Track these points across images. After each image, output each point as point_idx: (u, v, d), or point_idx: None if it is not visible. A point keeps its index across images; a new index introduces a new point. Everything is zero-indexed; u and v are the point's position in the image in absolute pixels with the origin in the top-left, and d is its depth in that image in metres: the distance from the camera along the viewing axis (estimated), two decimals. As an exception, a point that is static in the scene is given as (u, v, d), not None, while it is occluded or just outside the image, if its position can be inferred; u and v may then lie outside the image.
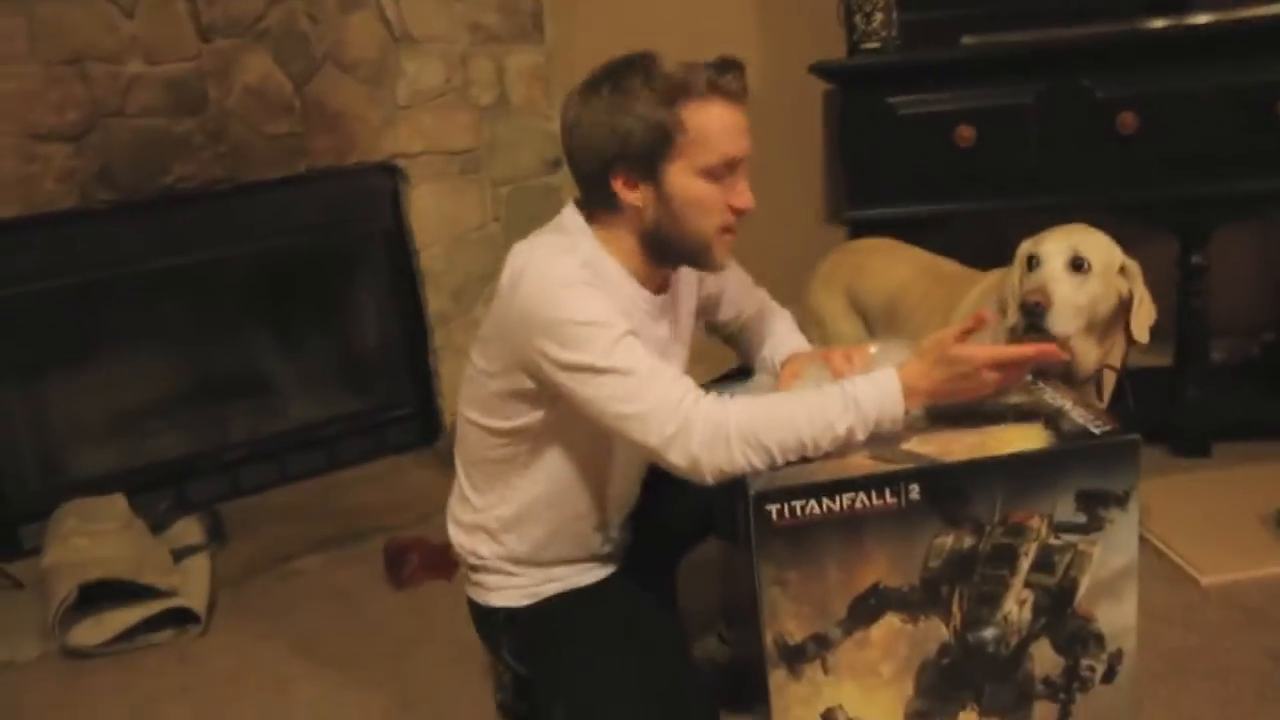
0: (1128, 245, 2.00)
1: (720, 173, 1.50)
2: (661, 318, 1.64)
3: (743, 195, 1.53)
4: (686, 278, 1.73)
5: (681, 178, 1.50)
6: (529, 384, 1.53)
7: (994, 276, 2.11)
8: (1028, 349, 1.47)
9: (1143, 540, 2.22)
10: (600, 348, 1.43)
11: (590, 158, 1.52)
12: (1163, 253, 2.59)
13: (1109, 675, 1.45)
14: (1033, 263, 1.91)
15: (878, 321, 2.32)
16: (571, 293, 1.46)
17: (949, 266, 2.30)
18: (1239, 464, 2.55)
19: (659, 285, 1.62)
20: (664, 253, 1.56)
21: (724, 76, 1.48)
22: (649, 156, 1.49)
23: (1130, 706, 1.47)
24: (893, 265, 2.37)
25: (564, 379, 1.46)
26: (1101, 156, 2.52)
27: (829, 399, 1.40)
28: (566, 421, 1.56)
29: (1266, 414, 2.67)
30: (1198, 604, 2.04)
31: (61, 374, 2.88)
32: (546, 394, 1.53)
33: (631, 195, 1.52)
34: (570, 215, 1.60)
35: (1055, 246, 1.90)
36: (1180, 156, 2.48)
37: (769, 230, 3.16)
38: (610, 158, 1.50)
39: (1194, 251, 2.57)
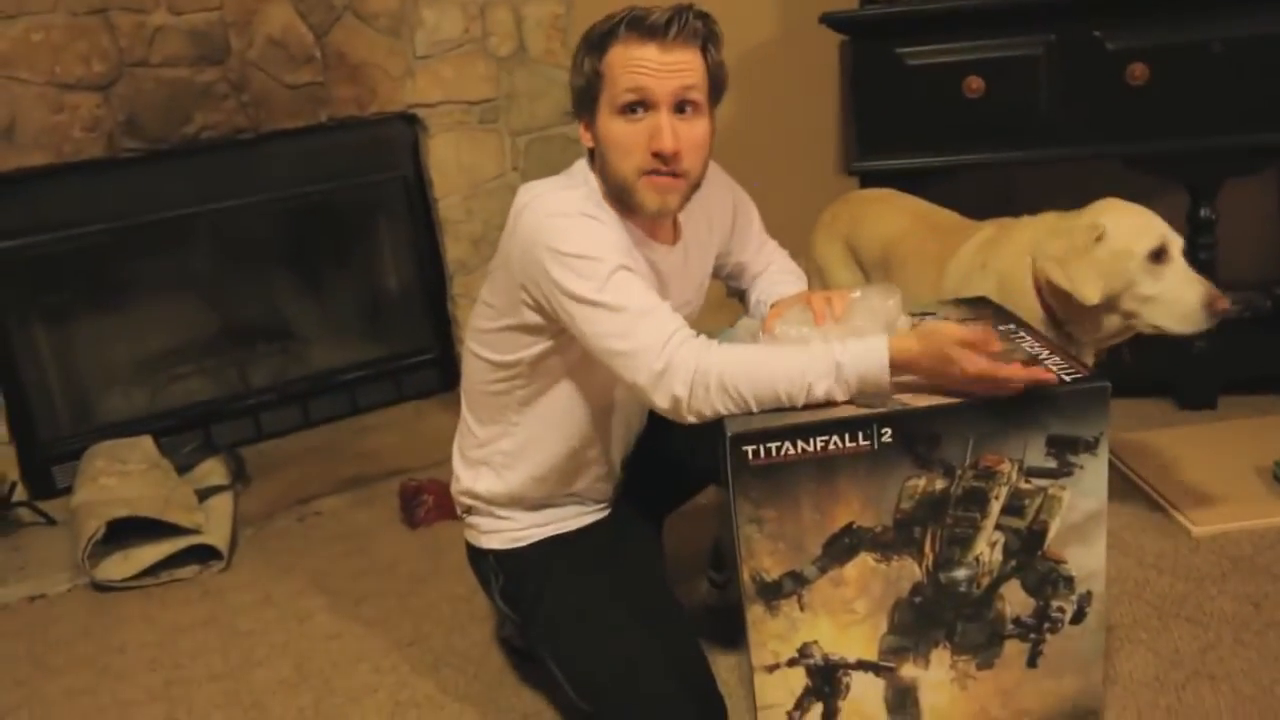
0: (1137, 198, 2.00)
1: (631, 110, 1.52)
2: (660, 271, 1.66)
3: (657, 136, 1.50)
4: (699, 239, 1.76)
5: (604, 119, 1.55)
6: (529, 317, 1.58)
7: (990, 229, 2.12)
8: (1020, 376, 1.38)
9: (1138, 490, 2.28)
10: (593, 282, 1.47)
11: (572, 108, 1.63)
12: (1172, 205, 2.60)
13: (1078, 616, 1.49)
14: (1160, 256, 1.83)
15: (874, 270, 2.34)
16: (569, 222, 1.51)
17: (945, 217, 2.32)
18: (1242, 417, 2.56)
19: (654, 231, 1.65)
20: (613, 197, 1.59)
21: (648, 16, 1.49)
22: (587, 102, 1.57)
23: (1098, 647, 1.52)
24: (889, 215, 2.38)
25: (562, 306, 1.50)
26: (1111, 108, 2.51)
27: (814, 360, 1.41)
28: (564, 357, 1.62)
29: (1273, 367, 2.68)
30: (1187, 552, 2.07)
31: (91, 320, 2.98)
32: (548, 328, 1.58)
33: (587, 140, 1.61)
34: (580, 164, 1.66)
35: (1176, 239, 1.86)
36: (1190, 108, 2.47)
37: (785, 180, 3.19)
38: (573, 106, 1.62)
39: (1203, 204, 2.57)
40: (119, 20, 2.67)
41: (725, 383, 1.41)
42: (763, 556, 1.42)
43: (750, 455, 1.37)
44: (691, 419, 1.45)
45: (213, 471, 2.76)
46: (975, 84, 2.54)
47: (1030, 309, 1.97)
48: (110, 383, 3.05)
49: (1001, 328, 1.64)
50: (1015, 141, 2.60)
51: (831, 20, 2.65)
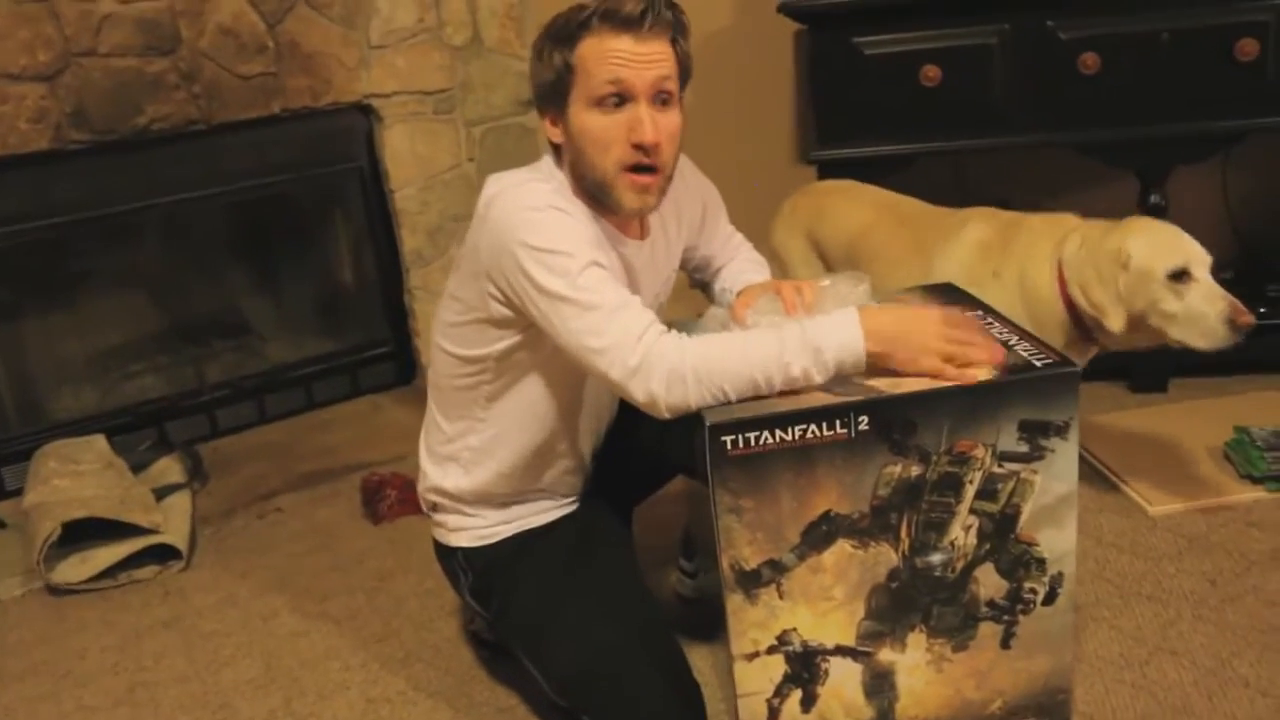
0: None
1: (610, 103, 1.50)
2: (630, 267, 1.65)
3: (638, 128, 1.49)
4: (668, 233, 1.75)
5: (578, 113, 1.53)
6: (497, 311, 1.56)
7: (982, 226, 2.08)
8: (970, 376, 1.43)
9: (1097, 472, 2.33)
10: (565, 278, 1.45)
11: (535, 102, 1.61)
12: (1123, 192, 2.66)
13: (1050, 598, 1.51)
14: (1182, 276, 1.88)
15: (839, 264, 2.35)
16: (540, 215, 1.49)
17: (912, 206, 2.33)
18: (1192, 400, 2.62)
19: (624, 226, 1.64)
20: (586, 193, 1.58)
21: (622, 6, 1.47)
22: (556, 96, 1.55)
23: (1069, 627, 1.54)
24: (853, 207, 2.39)
25: (532, 301, 1.48)
26: (1064, 96, 2.55)
27: (788, 341, 1.41)
28: (532, 352, 1.60)
29: (1222, 351, 2.74)
30: (1145, 532, 2.12)
31: (40, 317, 2.92)
32: (516, 322, 1.56)
33: (555, 135, 1.58)
34: (546, 160, 1.64)
35: (1201, 258, 1.90)
36: (1141, 97, 2.51)
37: (741, 170, 3.20)
38: (537, 100, 1.59)
39: (1153, 191, 2.62)
40: (63, 8, 2.60)
41: (701, 376, 1.41)
42: (742, 546, 1.43)
43: (729, 445, 1.38)
44: (667, 415, 1.44)
45: (169, 470, 2.71)
46: (932, 73, 2.57)
47: (1056, 318, 2.01)
48: (60, 381, 2.98)
49: (971, 314, 1.66)
50: (971, 130, 2.63)
51: (789, 9, 2.66)
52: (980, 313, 1.67)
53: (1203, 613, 1.87)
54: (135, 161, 2.82)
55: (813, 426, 1.38)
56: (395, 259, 3.24)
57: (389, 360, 3.33)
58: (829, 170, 2.73)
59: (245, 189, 3.03)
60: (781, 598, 1.46)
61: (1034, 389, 1.41)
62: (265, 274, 3.29)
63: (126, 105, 2.72)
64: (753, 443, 1.38)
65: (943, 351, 1.43)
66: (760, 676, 1.50)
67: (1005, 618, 1.52)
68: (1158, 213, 2.62)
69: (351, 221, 3.25)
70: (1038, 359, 1.45)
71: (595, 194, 1.57)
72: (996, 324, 1.61)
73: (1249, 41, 2.41)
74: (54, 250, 2.86)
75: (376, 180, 3.18)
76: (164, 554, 2.42)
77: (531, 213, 1.49)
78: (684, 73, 1.57)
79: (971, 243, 2.10)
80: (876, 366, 1.45)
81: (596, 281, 1.47)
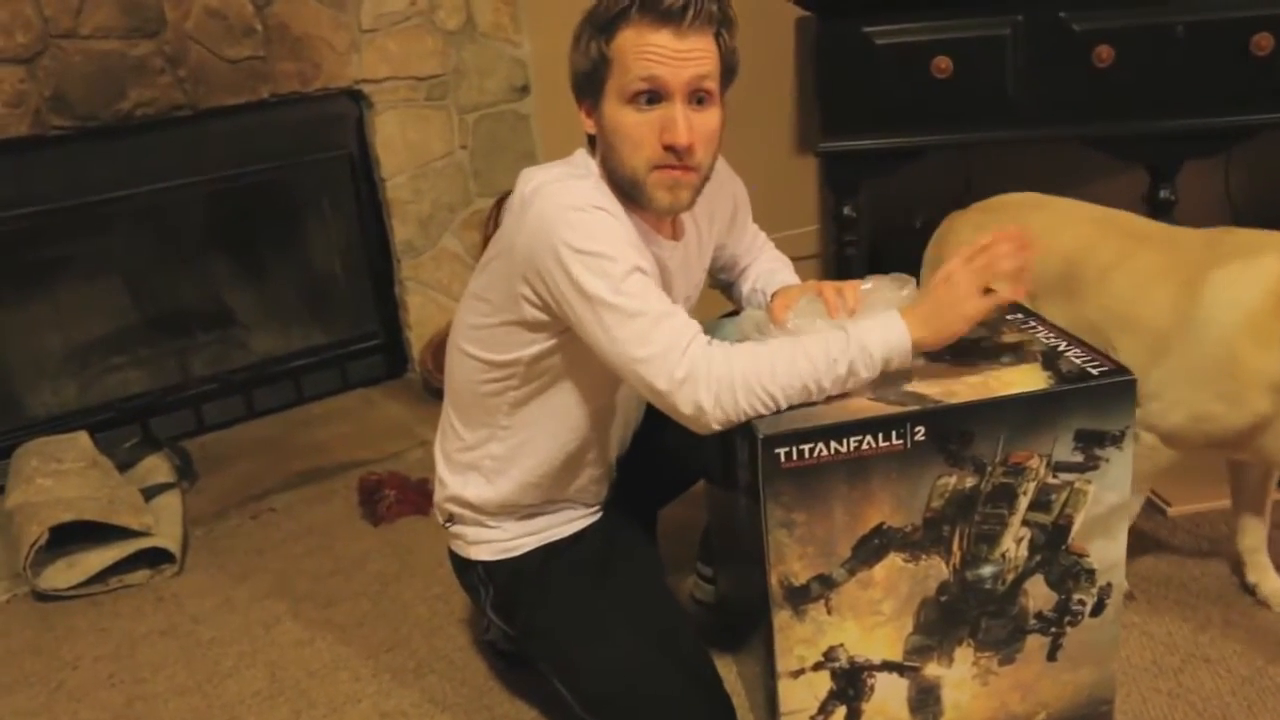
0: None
1: (642, 99, 1.43)
2: (665, 268, 1.59)
3: (670, 129, 1.42)
4: (701, 233, 1.69)
5: (611, 107, 1.46)
6: (530, 313, 1.49)
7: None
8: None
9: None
10: (608, 282, 1.38)
11: (572, 90, 1.53)
12: (1131, 186, 2.63)
13: (1098, 609, 1.48)
14: None
15: (1050, 291, 1.92)
16: (583, 216, 1.42)
17: (1143, 224, 1.95)
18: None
19: (658, 226, 1.58)
20: (618, 189, 1.50)
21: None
22: (591, 87, 1.48)
23: (1115, 637, 1.51)
24: (1063, 223, 1.97)
25: (571, 305, 1.41)
26: (1077, 89, 2.53)
27: (834, 346, 1.37)
28: (566, 354, 1.54)
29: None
30: (1166, 533, 2.10)
31: (18, 309, 2.80)
32: (550, 325, 1.49)
33: (589, 126, 1.52)
34: (580, 153, 1.57)
35: None
36: (1154, 90, 2.49)
37: (738, 162, 3.15)
38: (573, 89, 1.52)
39: (1163, 185, 2.60)
40: (42, -12, 2.50)
41: (748, 388, 1.35)
42: (792, 561, 1.38)
43: (783, 458, 1.33)
44: (715, 426, 1.38)
45: (156, 468, 2.62)
46: (944, 64, 2.53)
47: None
48: (39, 375, 2.87)
49: (1010, 317, 1.62)
50: (982, 122, 2.60)
51: (800, -2, 2.61)
52: (1021, 315, 1.63)
53: (1233, 618, 1.85)
54: (118, 148, 2.71)
55: (868, 437, 1.34)
56: (386, 249, 3.16)
57: (379, 353, 3.24)
58: (834, 161, 2.68)
59: (232, 177, 2.92)
60: (830, 613, 1.42)
61: (1092, 398, 1.37)
62: (252, 264, 3.18)
63: (109, 89, 2.61)
64: (807, 455, 1.33)
65: (976, 285, 1.42)
66: (805, 694, 1.45)
67: (1053, 630, 1.49)
68: (1167, 207, 2.61)
69: (341, 210, 3.15)
70: (1093, 366, 1.41)
71: (627, 190, 1.50)
72: (1041, 328, 1.57)
73: (1264, 36, 2.39)
74: (33, 240, 2.74)
75: (367, 168, 3.08)
76: (155, 557, 2.33)
77: (573, 212, 1.42)
78: (727, 70, 1.50)
79: (1271, 288, 1.64)
80: (934, 349, 1.43)
81: (639, 287, 1.40)
